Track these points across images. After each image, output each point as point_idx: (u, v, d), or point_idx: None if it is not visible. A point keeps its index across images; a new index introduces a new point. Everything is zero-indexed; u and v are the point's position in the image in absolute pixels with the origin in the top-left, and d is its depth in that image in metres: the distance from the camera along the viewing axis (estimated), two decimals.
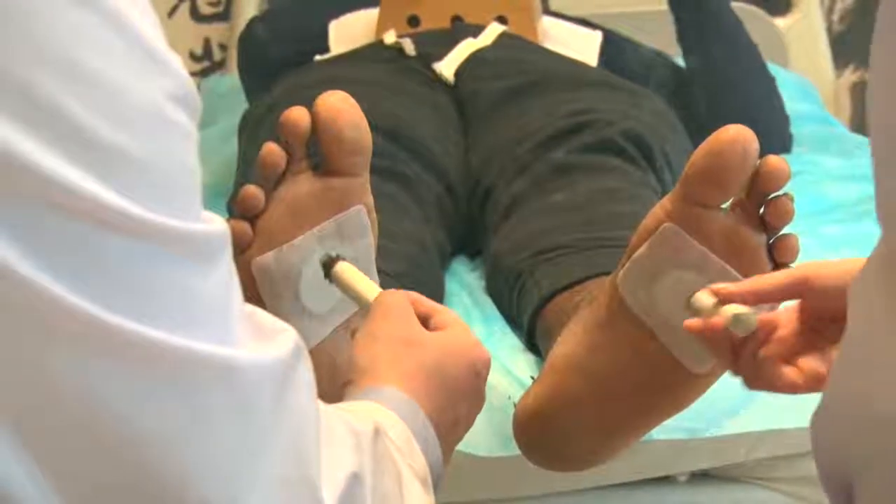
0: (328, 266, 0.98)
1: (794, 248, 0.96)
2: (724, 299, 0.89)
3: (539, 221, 1.36)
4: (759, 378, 0.89)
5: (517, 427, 1.07)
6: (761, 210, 0.95)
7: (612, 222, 1.30)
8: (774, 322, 0.89)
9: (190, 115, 0.56)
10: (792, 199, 0.94)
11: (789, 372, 0.88)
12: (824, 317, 0.86)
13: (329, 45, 1.87)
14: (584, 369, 1.03)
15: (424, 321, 0.90)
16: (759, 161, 0.93)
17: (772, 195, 0.94)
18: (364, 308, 0.94)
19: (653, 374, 1.00)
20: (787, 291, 0.88)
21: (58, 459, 0.54)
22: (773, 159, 0.93)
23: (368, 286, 0.95)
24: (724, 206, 0.96)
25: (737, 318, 0.87)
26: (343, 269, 0.97)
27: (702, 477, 1.21)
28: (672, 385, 1.01)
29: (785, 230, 0.96)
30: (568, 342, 1.05)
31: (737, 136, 0.91)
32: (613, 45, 1.83)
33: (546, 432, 1.05)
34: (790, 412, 1.16)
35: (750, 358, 0.89)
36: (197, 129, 0.57)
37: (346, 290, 0.97)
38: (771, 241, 0.96)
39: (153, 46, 0.55)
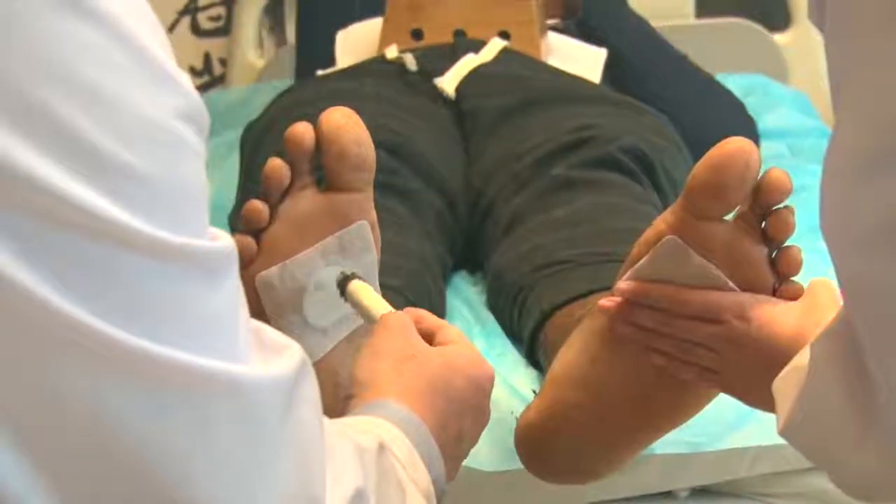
0: (343, 284, 0.98)
1: (797, 260, 0.96)
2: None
3: (540, 236, 1.36)
4: None
5: (519, 439, 1.08)
6: (763, 223, 0.95)
7: (613, 238, 1.30)
8: None
9: (198, 133, 0.56)
10: (793, 212, 0.95)
11: None
12: None
13: (335, 54, 1.89)
14: (586, 382, 1.03)
15: (429, 337, 0.91)
16: (760, 174, 0.93)
17: (773, 207, 0.94)
18: (374, 325, 0.94)
19: (653, 387, 1.01)
20: None
21: (61, 470, 0.54)
22: (774, 172, 0.93)
23: (381, 305, 0.96)
24: (725, 218, 0.96)
25: None
26: (357, 286, 0.98)
27: (702, 493, 1.21)
28: (673, 397, 1.01)
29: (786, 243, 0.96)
30: (569, 355, 1.05)
31: (739, 148, 0.92)
32: (620, 63, 1.84)
33: (547, 445, 1.06)
34: None
35: None
36: (205, 147, 0.58)
37: (360, 308, 0.97)
38: (773, 253, 0.96)
39: (162, 65, 0.55)
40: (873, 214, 0.59)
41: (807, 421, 0.74)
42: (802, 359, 0.78)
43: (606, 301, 0.99)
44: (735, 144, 0.92)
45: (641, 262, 0.98)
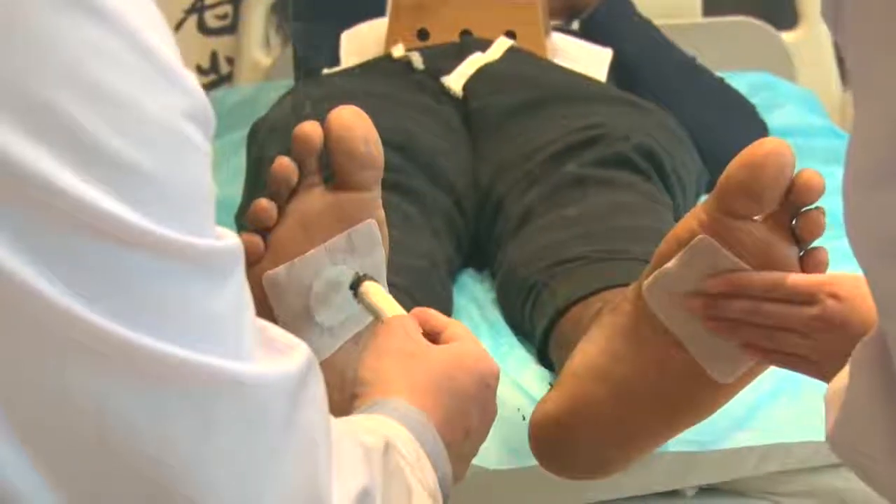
0: (355, 285, 0.98)
1: (824, 261, 0.97)
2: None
3: (553, 233, 1.37)
4: None
5: (533, 432, 1.07)
6: (793, 222, 0.95)
7: (627, 235, 1.30)
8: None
9: (205, 133, 0.57)
10: (823, 213, 0.95)
11: None
12: None
13: (339, 55, 1.89)
14: (607, 377, 1.03)
15: (435, 336, 0.91)
16: (793, 174, 0.94)
17: (804, 208, 0.95)
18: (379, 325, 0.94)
19: (676, 384, 1.01)
20: None
21: (63, 467, 0.55)
22: (807, 173, 0.94)
23: (393, 307, 0.95)
24: (755, 217, 0.96)
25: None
26: (369, 287, 0.97)
27: (709, 491, 1.21)
28: (695, 395, 1.01)
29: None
30: (589, 350, 1.05)
31: (774, 149, 0.92)
32: (624, 63, 1.84)
33: (563, 438, 1.06)
34: (799, 426, 1.16)
35: None
36: (211, 146, 0.58)
37: (371, 309, 0.96)
38: (801, 253, 0.96)
39: (167, 63, 0.55)
40: (893, 223, 0.58)
41: (845, 432, 0.73)
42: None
43: (692, 300, 0.98)
44: (771, 145, 0.92)
45: (673, 261, 0.98)
